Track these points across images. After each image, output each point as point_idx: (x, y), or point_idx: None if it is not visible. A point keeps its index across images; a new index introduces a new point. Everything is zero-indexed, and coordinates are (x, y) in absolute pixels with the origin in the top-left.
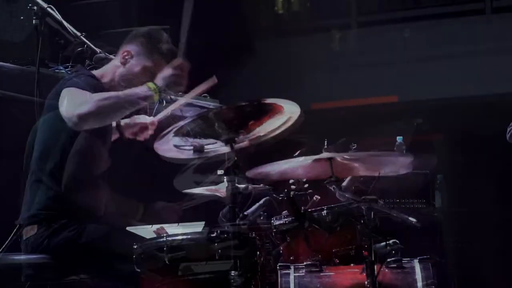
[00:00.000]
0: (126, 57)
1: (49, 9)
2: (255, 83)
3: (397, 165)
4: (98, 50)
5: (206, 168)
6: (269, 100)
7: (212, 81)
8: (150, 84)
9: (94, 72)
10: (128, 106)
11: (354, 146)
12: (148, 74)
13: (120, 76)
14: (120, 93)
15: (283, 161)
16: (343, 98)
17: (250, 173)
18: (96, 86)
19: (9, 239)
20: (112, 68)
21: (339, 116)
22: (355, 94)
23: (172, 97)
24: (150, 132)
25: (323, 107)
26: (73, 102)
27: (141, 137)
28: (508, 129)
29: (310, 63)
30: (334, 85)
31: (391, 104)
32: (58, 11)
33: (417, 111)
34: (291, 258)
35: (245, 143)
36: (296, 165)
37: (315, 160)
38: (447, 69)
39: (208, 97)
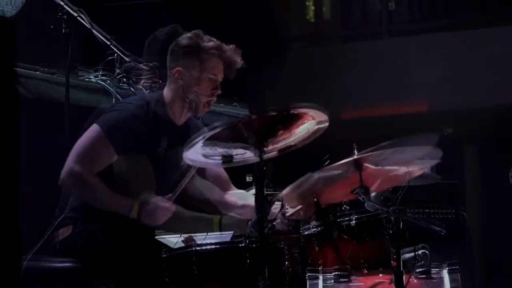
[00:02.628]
0: (180, 76)
1: (78, 18)
2: (286, 91)
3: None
4: (127, 58)
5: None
6: (298, 109)
7: None
8: (135, 209)
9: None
10: (104, 208)
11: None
12: (212, 80)
13: (183, 92)
14: (106, 198)
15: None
16: (373, 107)
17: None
18: (136, 127)
19: (44, 236)
20: (171, 89)
21: (369, 125)
22: (385, 103)
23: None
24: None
25: (353, 116)
26: (78, 157)
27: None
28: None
29: (340, 71)
30: (364, 94)
31: (421, 113)
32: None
33: (447, 120)
34: (320, 267)
35: (274, 153)
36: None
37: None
38: (479, 78)
39: (238, 106)
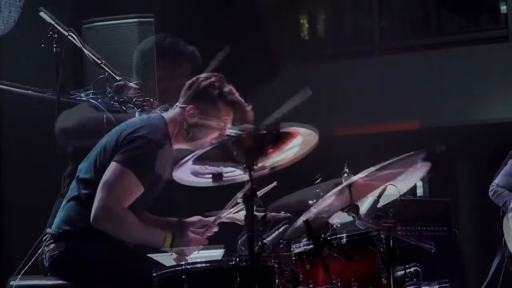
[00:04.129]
0: (193, 114)
1: (69, 37)
2: (279, 108)
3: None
4: (117, 77)
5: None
6: (288, 128)
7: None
8: (168, 241)
9: (164, 115)
10: (137, 242)
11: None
12: (219, 127)
13: (189, 127)
14: (139, 232)
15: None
16: (366, 124)
17: (271, 208)
18: (159, 157)
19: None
20: (177, 118)
21: (362, 142)
22: (378, 120)
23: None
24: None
25: (346, 133)
26: (109, 193)
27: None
28: (491, 188)
29: (333, 88)
30: (356, 111)
31: (414, 130)
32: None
33: (440, 137)
34: (310, 285)
35: (263, 171)
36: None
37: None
38: (470, 96)
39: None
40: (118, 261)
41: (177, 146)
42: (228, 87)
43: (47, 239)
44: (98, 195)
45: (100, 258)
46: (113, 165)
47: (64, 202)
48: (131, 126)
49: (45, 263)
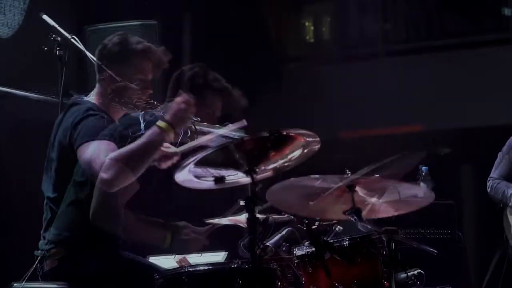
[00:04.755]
0: (112, 80)
1: (72, 40)
2: (282, 112)
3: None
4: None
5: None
6: (289, 131)
7: (241, 123)
8: (168, 240)
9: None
10: (148, 156)
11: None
12: (142, 81)
13: (115, 95)
14: (136, 146)
15: None
16: (370, 127)
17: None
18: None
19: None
20: (102, 94)
21: (366, 145)
22: (382, 123)
23: (198, 128)
24: (173, 161)
25: (350, 136)
26: (96, 164)
27: (161, 166)
28: (488, 184)
29: (337, 91)
30: (361, 114)
31: (418, 132)
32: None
33: (443, 140)
34: None
35: (265, 174)
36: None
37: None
38: (474, 98)
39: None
40: (120, 265)
41: (115, 114)
42: (212, 74)
43: (47, 244)
44: (100, 191)
45: (102, 263)
46: (81, 148)
47: (63, 207)
48: (67, 122)
49: (44, 268)
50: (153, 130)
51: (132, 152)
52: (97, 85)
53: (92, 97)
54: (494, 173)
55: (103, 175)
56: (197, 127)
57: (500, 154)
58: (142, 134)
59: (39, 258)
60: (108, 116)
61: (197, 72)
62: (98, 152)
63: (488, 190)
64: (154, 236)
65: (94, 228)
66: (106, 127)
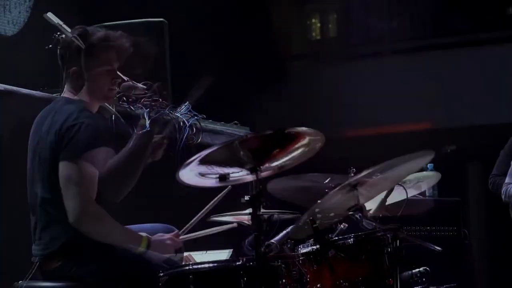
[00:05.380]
0: (79, 75)
1: (73, 38)
2: (288, 110)
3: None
4: (125, 78)
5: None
6: (294, 129)
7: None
8: (144, 242)
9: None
10: (115, 242)
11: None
12: (109, 71)
13: (85, 91)
14: (118, 232)
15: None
16: (376, 125)
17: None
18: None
19: (29, 272)
20: (71, 90)
21: (372, 144)
22: (388, 121)
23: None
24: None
25: (356, 134)
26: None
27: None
28: (489, 181)
29: (343, 89)
30: (367, 112)
31: (424, 130)
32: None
33: (450, 138)
34: (318, 286)
35: (269, 172)
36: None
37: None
38: (481, 96)
39: (238, 124)
40: (122, 263)
41: (92, 107)
42: (91, 29)
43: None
44: (70, 197)
45: (101, 263)
46: (65, 165)
47: (60, 208)
48: (58, 122)
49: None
50: (136, 239)
51: (114, 232)
52: (66, 82)
53: (66, 94)
54: (496, 171)
55: (81, 219)
56: (202, 124)
57: (502, 152)
58: (148, 131)
59: (37, 262)
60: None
61: (77, 35)
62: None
63: (490, 187)
64: (132, 238)
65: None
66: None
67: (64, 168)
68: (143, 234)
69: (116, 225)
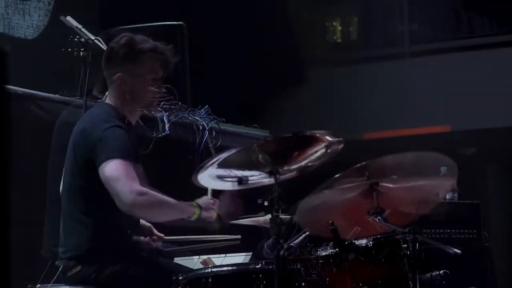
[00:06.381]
0: (124, 81)
1: (96, 41)
2: (308, 113)
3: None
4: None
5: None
6: (313, 132)
7: None
8: (197, 209)
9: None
10: (170, 217)
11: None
12: (154, 79)
13: (130, 96)
14: (173, 207)
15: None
16: (396, 127)
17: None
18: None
19: (54, 278)
20: (116, 96)
21: (391, 146)
22: (408, 123)
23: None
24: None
25: (376, 137)
26: (133, 179)
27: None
28: None
29: (363, 91)
30: (387, 114)
31: (444, 133)
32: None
33: (470, 140)
34: None
35: (289, 175)
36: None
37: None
38: (501, 98)
39: (258, 128)
40: (143, 268)
41: (133, 116)
42: (139, 38)
43: (64, 259)
44: (123, 183)
45: (122, 267)
46: (105, 165)
47: (68, 222)
48: (92, 126)
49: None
50: (190, 207)
51: (164, 203)
52: (110, 88)
53: (108, 100)
54: None
55: (138, 198)
56: (222, 127)
57: None
58: (167, 134)
59: (61, 266)
60: (127, 121)
61: (125, 43)
62: (121, 172)
63: None
64: (186, 209)
65: (116, 233)
66: (128, 140)
67: (105, 168)
68: (193, 203)
69: (166, 203)
